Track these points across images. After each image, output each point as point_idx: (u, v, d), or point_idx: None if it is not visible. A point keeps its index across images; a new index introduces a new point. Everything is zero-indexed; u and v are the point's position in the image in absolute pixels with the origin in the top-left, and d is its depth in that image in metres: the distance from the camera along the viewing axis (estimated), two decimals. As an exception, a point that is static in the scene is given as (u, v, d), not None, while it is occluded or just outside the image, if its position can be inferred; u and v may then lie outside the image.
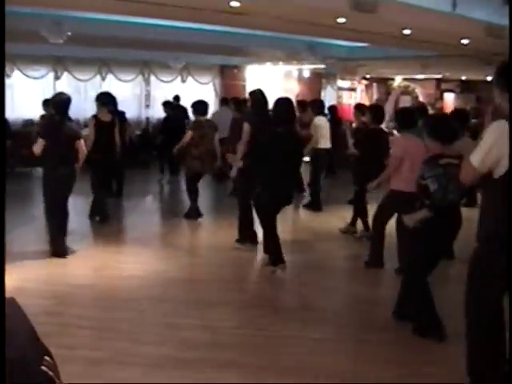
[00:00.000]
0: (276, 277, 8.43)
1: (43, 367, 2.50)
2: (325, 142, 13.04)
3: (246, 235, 9.85)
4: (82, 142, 9.20)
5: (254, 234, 9.88)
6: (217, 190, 15.90)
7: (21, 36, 14.18)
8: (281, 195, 8.44)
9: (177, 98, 18.36)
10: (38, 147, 8.72)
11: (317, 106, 13.58)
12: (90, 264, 8.85)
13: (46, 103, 13.65)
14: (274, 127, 8.51)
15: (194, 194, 11.89)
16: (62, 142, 8.83)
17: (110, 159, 11.18)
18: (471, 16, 11.46)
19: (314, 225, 11.96)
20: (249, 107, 10.70)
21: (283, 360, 5.76)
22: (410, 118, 8.35)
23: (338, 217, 12.12)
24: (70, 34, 13.14)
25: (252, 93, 9.98)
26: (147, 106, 21.20)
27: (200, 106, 11.91)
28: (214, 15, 11.21)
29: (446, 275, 8.23)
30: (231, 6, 10.24)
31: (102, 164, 10.97)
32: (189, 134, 11.50)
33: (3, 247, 6.15)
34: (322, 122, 13.03)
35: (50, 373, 2.51)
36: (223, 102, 17.24)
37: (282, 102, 8.69)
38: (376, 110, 10.70)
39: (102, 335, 6.21)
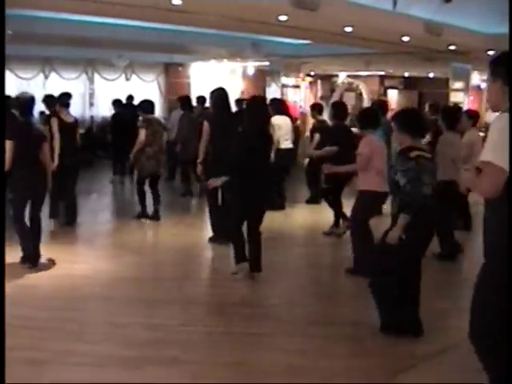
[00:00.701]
0: (221, 275, 8.48)
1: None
2: (287, 143, 12.78)
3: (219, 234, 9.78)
4: (46, 144, 8.79)
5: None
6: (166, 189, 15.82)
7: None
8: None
9: (130, 97, 18.18)
10: (8, 152, 8.18)
11: (275, 104, 13.05)
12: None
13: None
14: (237, 126, 8.51)
15: (143, 196, 11.70)
16: (30, 143, 8.42)
17: (72, 161, 10.82)
18: (411, 14, 11.67)
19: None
20: (209, 106, 10.68)
21: (225, 356, 5.81)
22: (374, 117, 8.44)
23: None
24: (10, 32, 12.96)
25: (214, 91, 9.95)
26: (91, 105, 21.04)
27: (148, 105, 11.84)
28: (156, 13, 11.21)
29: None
30: (173, 4, 10.25)
31: (65, 166, 10.51)
32: (143, 133, 11.29)
33: (3, 247, 6.11)
34: (281, 122, 12.61)
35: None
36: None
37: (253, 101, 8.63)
38: (339, 107, 10.78)
39: (46, 335, 6.17)
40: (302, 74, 23.97)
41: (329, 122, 12.78)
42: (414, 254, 6.07)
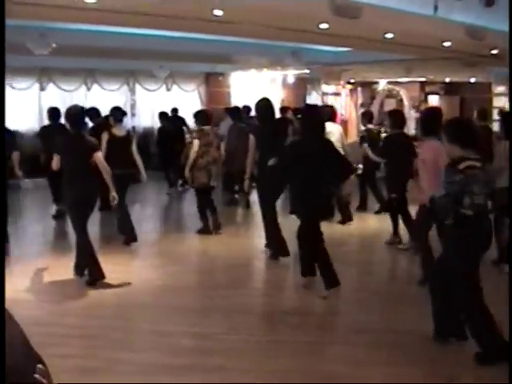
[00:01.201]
0: (268, 284, 8.49)
1: (36, 375, 2.54)
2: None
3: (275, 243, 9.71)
4: (99, 154, 8.75)
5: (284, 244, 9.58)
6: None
7: (7, 48, 14.19)
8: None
9: (175, 110, 18.33)
10: (55, 163, 8.44)
11: (327, 111, 12.62)
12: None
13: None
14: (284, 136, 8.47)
15: (204, 208, 11.50)
16: (82, 155, 8.50)
17: (124, 174, 10.55)
18: (452, 18, 11.58)
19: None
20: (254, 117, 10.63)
21: (271, 364, 5.82)
22: (436, 124, 7.96)
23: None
24: (55, 45, 13.17)
25: (259, 102, 9.88)
26: (133, 115, 21.20)
27: (202, 116, 11.68)
28: (198, 24, 11.28)
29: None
30: (215, 15, 10.31)
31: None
32: (196, 144, 11.11)
33: (3, 250, 6.21)
34: (333, 129, 12.14)
35: (44, 380, 2.56)
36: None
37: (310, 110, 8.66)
38: (396, 115, 10.62)
39: (94, 344, 6.27)
40: (342, 82, 23.94)
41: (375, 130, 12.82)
42: (471, 262, 5.91)
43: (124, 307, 7.52)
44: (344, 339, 6.53)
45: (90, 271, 8.42)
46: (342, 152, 12.34)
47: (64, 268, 8.80)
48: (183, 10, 10.31)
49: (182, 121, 18.01)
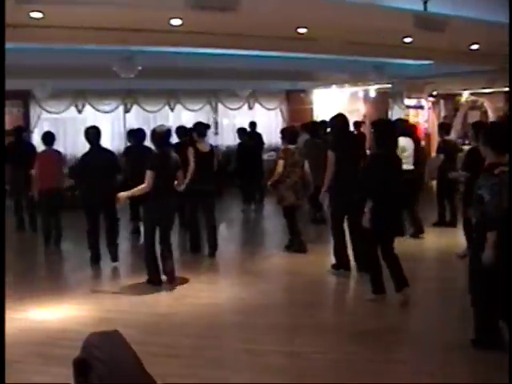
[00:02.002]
0: (352, 301, 8.40)
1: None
2: (409, 164, 12.29)
3: (341, 261, 9.71)
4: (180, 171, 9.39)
5: (348, 260, 9.69)
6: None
7: (93, 72, 14.59)
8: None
9: (253, 124, 18.38)
10: (149, 180, 8.75)
11: (400, 125, 12.63)
12: (169, 293, 9.00)
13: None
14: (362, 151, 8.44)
15: (293, 225, 11.39)
16: (168, 174, 9.02)
17: (209, 188, 11.04)
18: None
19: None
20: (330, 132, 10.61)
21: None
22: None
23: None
24: (140, 68, 13.42)
25: (333, 118, 9.86)
26: (216, 134, 21.39)
27: (289, 134, 11.57)
28: (282, 42, 11.33)
29: None
30: (299, 33, 10.35)
31: (200, 192, 10.88)
32: (281, 164, 11.01)
33: (3, 250, 6.30)
34: (405, 143, 12.25)
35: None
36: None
37: (382, 125, 8.63)
38: (480, 128, 10.42)
39: (191, 363, 6.30)
40: (424, 95, 23.63)
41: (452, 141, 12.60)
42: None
43: (216, 326, 7.54)
44: (437, 357, 6.38)
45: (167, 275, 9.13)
46: (411, 166, 12.32)
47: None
48: (268, 29, 10.38)
49: (259, 136, 18.00)
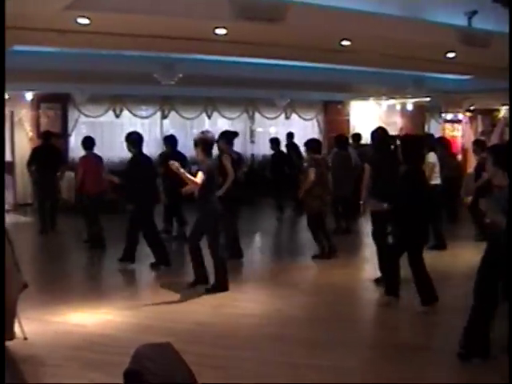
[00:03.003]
0: (392, 316, 8.33)
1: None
2: (438, 179, 12.52)
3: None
4: None
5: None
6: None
7: (133, 78, 14.68)
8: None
9: (290, 134, 18.40)
10: (200, 179, 9.01)
11: (430, 140, 13.05)
12: (206, 301, 8.99)
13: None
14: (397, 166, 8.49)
15: (318, 233, 11.64)
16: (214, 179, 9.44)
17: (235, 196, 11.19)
18: None
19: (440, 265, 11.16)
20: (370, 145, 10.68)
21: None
22: None
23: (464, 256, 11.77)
24: (181, 75, 13.49)
25: (374, 132, 9.95)
26: (252, 143, 21.41)
27: (315, 144, 11.87)
28: (325, 54, 11.33)
29: None
30: (342, 45, 10.33)
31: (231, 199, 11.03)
32: (312, 172, 11.28)
33: (3, 244, 6.31)
34: (434, 159, 12.46)
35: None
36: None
37: (411, 140, 8.70)
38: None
39: (228, 374, 6.29)
40: (462, 110, 23.46)
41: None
42: None
43: (253, 337, 7.50)
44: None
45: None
46: (439, 181, 12.36)
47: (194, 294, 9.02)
48: (311, 41, 10.37)
49: (295, 147, 17.98)
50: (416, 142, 8.76)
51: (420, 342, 7.36)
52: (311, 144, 11.85)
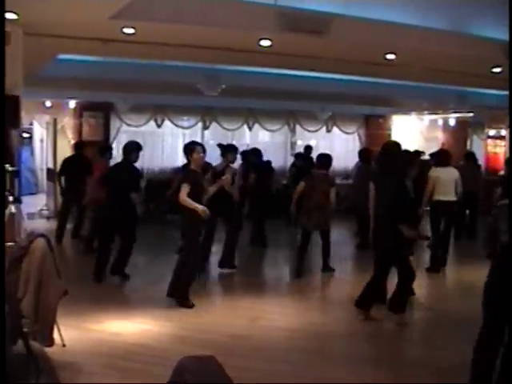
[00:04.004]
0: (436, 334, 8.19)
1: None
2: (450, 195, 11.99)
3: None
4: None
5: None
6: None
7: (176, 88, 14.75)
8: None
9: (309, 147, 18.26)
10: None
11: (436, 156, 12.92)
12: (241, 314, 8.95)
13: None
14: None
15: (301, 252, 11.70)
16: None
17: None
18: None
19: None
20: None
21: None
22: None
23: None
24: (224, 86, 13.51)
25: (385, 147, 9.21)
26: (292, 155, 21.30)
27: (322, 159, 11.79)
28: (368, 67, 11.27)
29: None
30: (387, 59, 10.27)
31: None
32: (301, 185, 11.43)
33: (3, 248, 6.29)
34: (439, 174, 11.98)
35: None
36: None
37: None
38: None
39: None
40: (504, 125, 23.20)
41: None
42: None
43: (290, 351, 7.44)
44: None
45: None
46: (453, 198, 11.96)
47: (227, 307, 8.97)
48: (356, 54, 10.34)
49: (311, 160, 17.70)
50: (391, 152, 8.70)
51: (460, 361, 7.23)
52: (320, 159, 11.85)
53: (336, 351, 7.60)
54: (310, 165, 17.32)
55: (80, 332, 7.73)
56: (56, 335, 6.95)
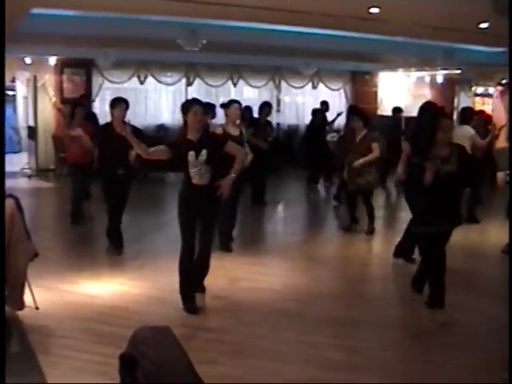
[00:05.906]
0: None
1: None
2: None
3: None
4: None
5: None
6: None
7: (156, 44, 14.43)
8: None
9: (325, 103, 18.03)
10: None
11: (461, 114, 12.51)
12: (224, 274, 8.70)
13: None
14: None
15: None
16: None
17: None
18: None
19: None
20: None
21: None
22: None
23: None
24: (205, 42, 13.22)
25: (423, 107, 9.28)
26: (278, 112, 21.09)
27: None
28: (352, 22, 11.04)
29: None
30: (370, 13, 10.04)
31: None
32: (377, 148, 10.97)
33: (3, 246, 6.15)
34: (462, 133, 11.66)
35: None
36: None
37: None
38: None
39: (242, 351, 6.13)
40: (493, 83, 23.01)
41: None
42: None
43: (271, 314, 7.26)
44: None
45: None
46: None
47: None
48: (339, 9, 10.10)
49: (325, 117, 17.51)
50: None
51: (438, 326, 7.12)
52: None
53: (320, 314, 7.36)
54: (324, 122, 17.20)
55: (54, 294, 7.56)
56: (30, 298, 6.80)
